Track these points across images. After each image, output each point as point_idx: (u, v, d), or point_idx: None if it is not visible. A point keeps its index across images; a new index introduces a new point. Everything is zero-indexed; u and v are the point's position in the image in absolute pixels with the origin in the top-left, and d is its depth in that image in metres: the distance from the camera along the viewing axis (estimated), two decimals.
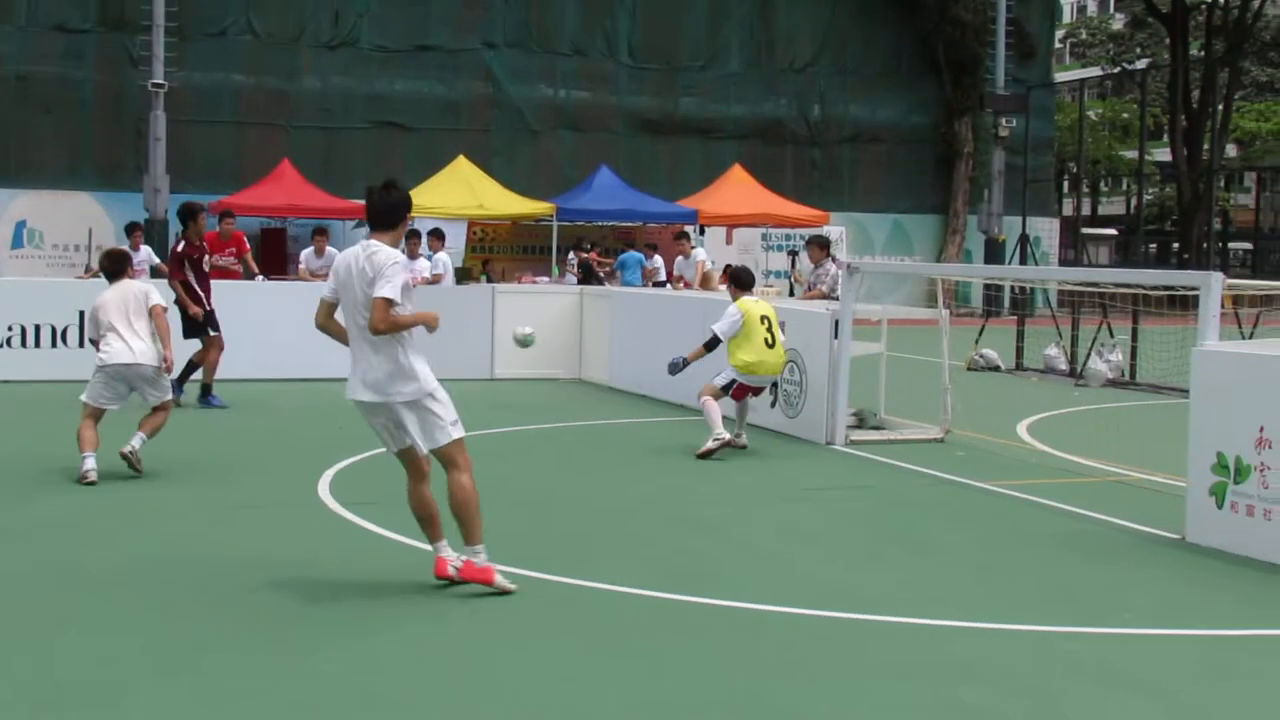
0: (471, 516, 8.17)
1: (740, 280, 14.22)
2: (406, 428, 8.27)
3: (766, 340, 13.71)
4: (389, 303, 7.95)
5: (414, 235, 21.17)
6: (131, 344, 11.78)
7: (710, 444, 13.39)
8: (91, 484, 11.25)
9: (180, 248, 16.55)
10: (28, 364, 18.41)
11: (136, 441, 11.82)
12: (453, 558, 8.30)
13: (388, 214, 8.36)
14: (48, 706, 6.21)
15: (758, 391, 14.17)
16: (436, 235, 22.59)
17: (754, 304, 13.92)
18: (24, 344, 18.60)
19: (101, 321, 11.86)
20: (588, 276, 28.29)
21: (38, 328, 18.67)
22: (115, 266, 12.28)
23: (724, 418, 13.62)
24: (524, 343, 18.69)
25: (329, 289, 8.35)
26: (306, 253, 21.12)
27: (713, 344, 13.73)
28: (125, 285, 12.16)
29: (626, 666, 6.97)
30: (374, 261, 8.06)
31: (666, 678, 6.80)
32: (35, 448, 13.12)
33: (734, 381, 13.74)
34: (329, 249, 20.50)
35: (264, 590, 8.21)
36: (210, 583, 8.36)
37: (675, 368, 13.97)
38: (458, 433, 8.36)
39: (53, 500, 10.89)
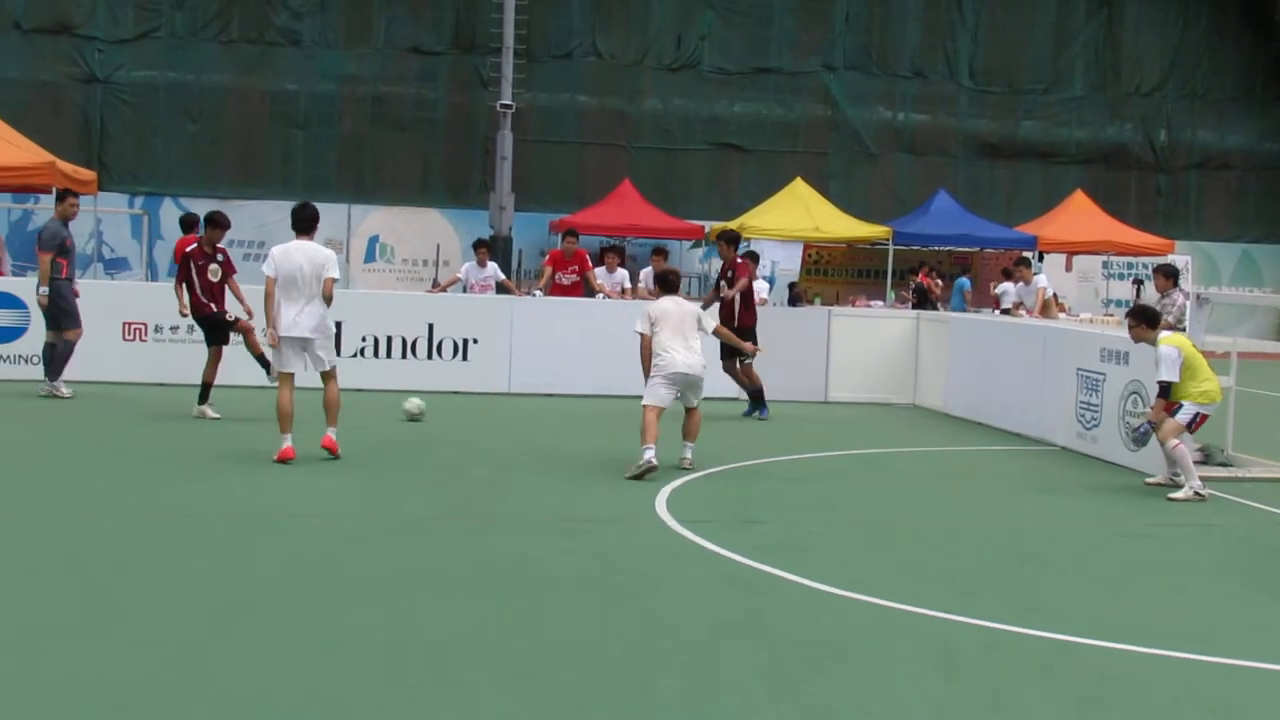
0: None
1: (1153, 318, 13.57)
2: (319, 355, 13.04)
3: (1209, 364, 13.32)
4: (334, 281, 12.92)
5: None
6: (688, 356, 13.37)
7: (1191, 494, 12.73)
8: (653, 469, 12.76)
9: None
10: (378, 374, 19.15)
11: (688, 452, 13.55)
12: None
13: (309, 223, 13.09)
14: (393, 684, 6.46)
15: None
16: (616, 252, 22.48)
17: (1179, 336, 13.46)
18: (375, 354, 19.39)
19: (660, 331, 13.49)
20: (922, 301, 28.07)
21: (389, 339, 19.44)
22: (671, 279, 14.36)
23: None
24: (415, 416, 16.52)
25: (271, 271, 12.86)
26: (646, 271, 21.46)
27: (1167, 390, 12.96)
28: (681, 302, 13.83)
29: (962, 696, 6.89)
30: (321, 253, 12.95)
31: (1002, 711, 6.70)
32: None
33: (1198, 415, 13.06)
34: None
35: (603, 604, 8.39)
36: (555, 592, 8.57)
37: (1145, 436, 13.33)
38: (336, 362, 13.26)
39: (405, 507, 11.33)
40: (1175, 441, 12.91)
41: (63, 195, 17.94)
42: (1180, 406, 13.01)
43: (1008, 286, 27.11)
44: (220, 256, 16.34)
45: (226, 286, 16.35)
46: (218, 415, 15.71)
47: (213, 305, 16.15)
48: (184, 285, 16.15)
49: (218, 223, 16.34)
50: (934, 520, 11.71)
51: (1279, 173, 42.67)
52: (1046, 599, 9.00)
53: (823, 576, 9.07)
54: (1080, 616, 8.45)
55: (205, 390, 15.96)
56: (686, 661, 7.26)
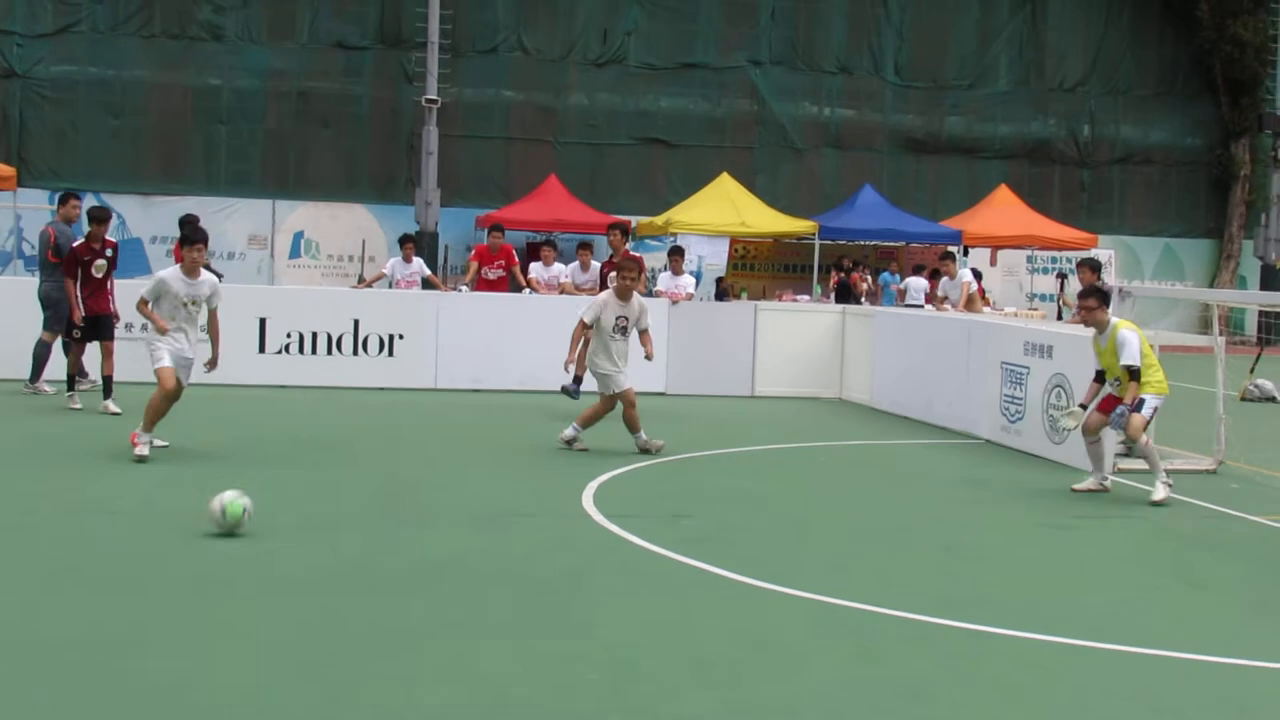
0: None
1: (1107, 298, 13.20)
2: None
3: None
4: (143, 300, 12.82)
5: (677, 252, 21.24)
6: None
7: (1165, 492, 12.41)
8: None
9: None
10: (304, 370, 19.05)
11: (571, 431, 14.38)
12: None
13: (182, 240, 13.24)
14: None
15: None
16: (551, 246, 22.65)
17: (1133, 323, 13.07)
18: (301, 350, 19.24)
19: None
20: (844, 295, 28.23)
21: (315, 335, 19.30)
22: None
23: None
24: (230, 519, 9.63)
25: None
26: (572, 267, 21.38)
27: (1137, 374, 12.49)
28: None
29: (883, 687, 6.90)
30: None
31: (924, 700, 6.72)
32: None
33: (1155, 407, 12.67)
34: (592, 263, 20.67)
35: (529, 599, 8.36)
36: (481, 587, 8.53)
37: (1121, 418, 12.66)
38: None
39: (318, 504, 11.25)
40: (1145, 438, 12.56)
41: (65, 198, 18.01)
42: (1143, 401, 12.60)
43: (912, 281, 27.43)
44: (109, 252, 16.49)
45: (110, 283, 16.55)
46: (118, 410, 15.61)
47: (96, 304, 16.26)
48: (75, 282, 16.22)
49: (99, 219, 16.53)
50: (858, 513, 11.75)
51: (1200, 168, 43.25)
52: (968, 590, 9.05)
53: (748, 570, 9.07)
54: (1000, 607, 8.51)
55: (106, 384, 16.03)
56: (611, 654, 7.24)
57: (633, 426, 14.29)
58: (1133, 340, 12.57)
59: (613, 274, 16.86)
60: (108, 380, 16.03)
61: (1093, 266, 17.42)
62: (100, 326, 16.31)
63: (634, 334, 14.51)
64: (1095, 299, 13.03)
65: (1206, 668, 7.48)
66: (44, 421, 15.28)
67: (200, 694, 6.41)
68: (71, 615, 7.62)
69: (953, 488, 13.25)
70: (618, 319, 14.36)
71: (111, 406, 15.71)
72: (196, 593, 8.20)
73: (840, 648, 7.57)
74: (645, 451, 14.14)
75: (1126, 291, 15.28)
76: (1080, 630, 7.98)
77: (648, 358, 14.61)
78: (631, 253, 17.92)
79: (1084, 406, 13.00)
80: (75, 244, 16.38)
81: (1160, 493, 12.42)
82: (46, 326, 17.21)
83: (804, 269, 33.06)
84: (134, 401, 15.36)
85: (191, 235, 13.20)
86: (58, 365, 17.04)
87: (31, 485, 11.56)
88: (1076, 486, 12.93)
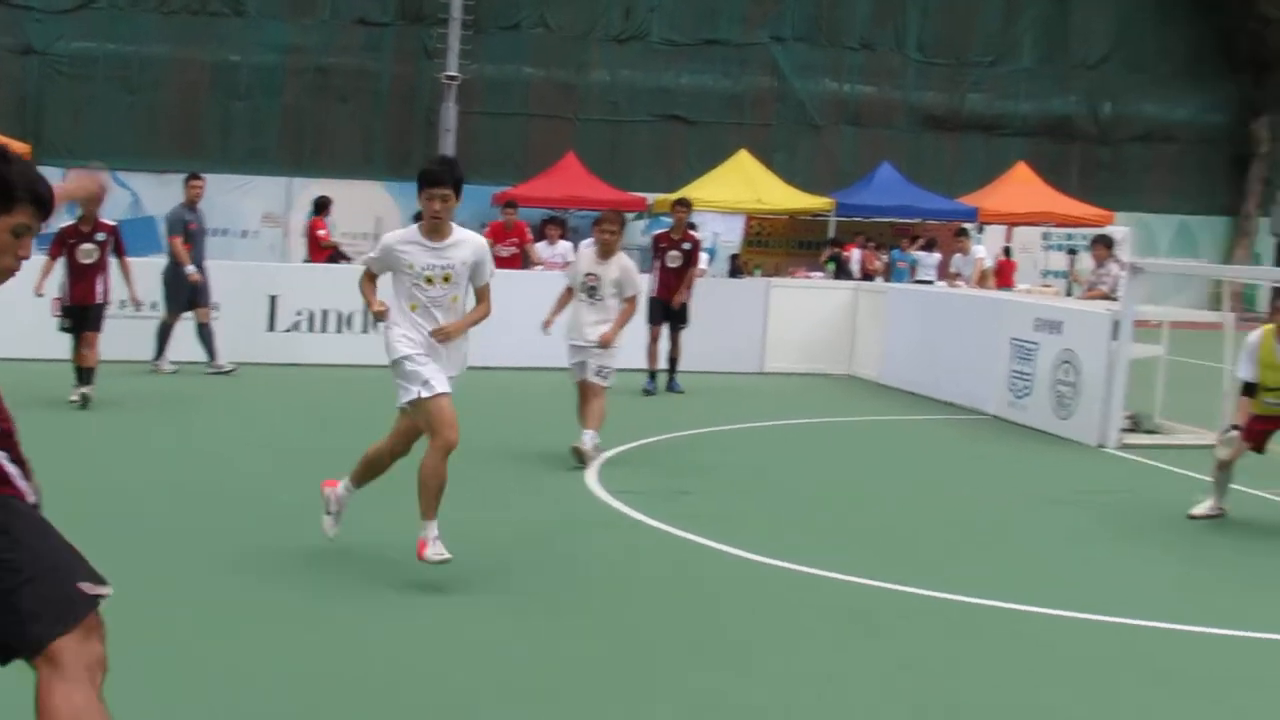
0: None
1: None
2: None
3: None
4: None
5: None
6: None
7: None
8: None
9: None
10: (319, 349, 18.92)
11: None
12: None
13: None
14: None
15: None
16: (557, 224, 23.08)
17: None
18: (311, 329, 19.15)
19: None
20: (841, 272, 28.35)
21: (325, 313, 19.23)
22: None
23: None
24: None
25: None
26: (585, 244, 21.24)
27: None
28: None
29: (885, 660, 6.95)
30: None
31: (926, 674, 6.77)
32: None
33: None
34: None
35: (525, 575, 8.41)
36: (473, 559, 8.55)
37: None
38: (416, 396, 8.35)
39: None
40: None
41: (186, 179, 18.08)
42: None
43: (921, 256, 27.75)
44: (100, 235, 14.73)
45: (118, 268, 15.01)
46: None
47: (80, 292, 14.63)
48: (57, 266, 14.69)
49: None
50: (862, 488, 11.78)
51: (1218, 146, 43.00)
52: (968, 565, 9.08)
53: (748, 545, 9.10)
54: (1000, 580, 8.53)
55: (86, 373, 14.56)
56: (611, 628, 7.32)
57: (582, 418, 12.28)
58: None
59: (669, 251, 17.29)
60: (84, 371, 14.49)
61: (1106, 243, 17.44)
62: (85, 316, 14.62)
63: (612, 303, 12.46)
64: None
65: (1203, 639, 7.55)
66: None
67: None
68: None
69: (957, 462, 13.29)
70: (586, 277, 12.45)
71: (74, 395, 14.29)
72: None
73: (836, 620, 7.63)
74: (577, 454, 11.95)
75: (1138, 268, 15.26)
76: (1076, 602, 8.03)
77: (601, 342, 12.21)
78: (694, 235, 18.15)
79: (1236, 428, 10.71)
80: (64, 225, 14.75)
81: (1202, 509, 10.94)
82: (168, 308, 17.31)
83: (819, 246, 33.00)
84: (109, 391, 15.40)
85: (423, 176, 8.35)
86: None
87: None
88: (1194, 512, 10.88)
